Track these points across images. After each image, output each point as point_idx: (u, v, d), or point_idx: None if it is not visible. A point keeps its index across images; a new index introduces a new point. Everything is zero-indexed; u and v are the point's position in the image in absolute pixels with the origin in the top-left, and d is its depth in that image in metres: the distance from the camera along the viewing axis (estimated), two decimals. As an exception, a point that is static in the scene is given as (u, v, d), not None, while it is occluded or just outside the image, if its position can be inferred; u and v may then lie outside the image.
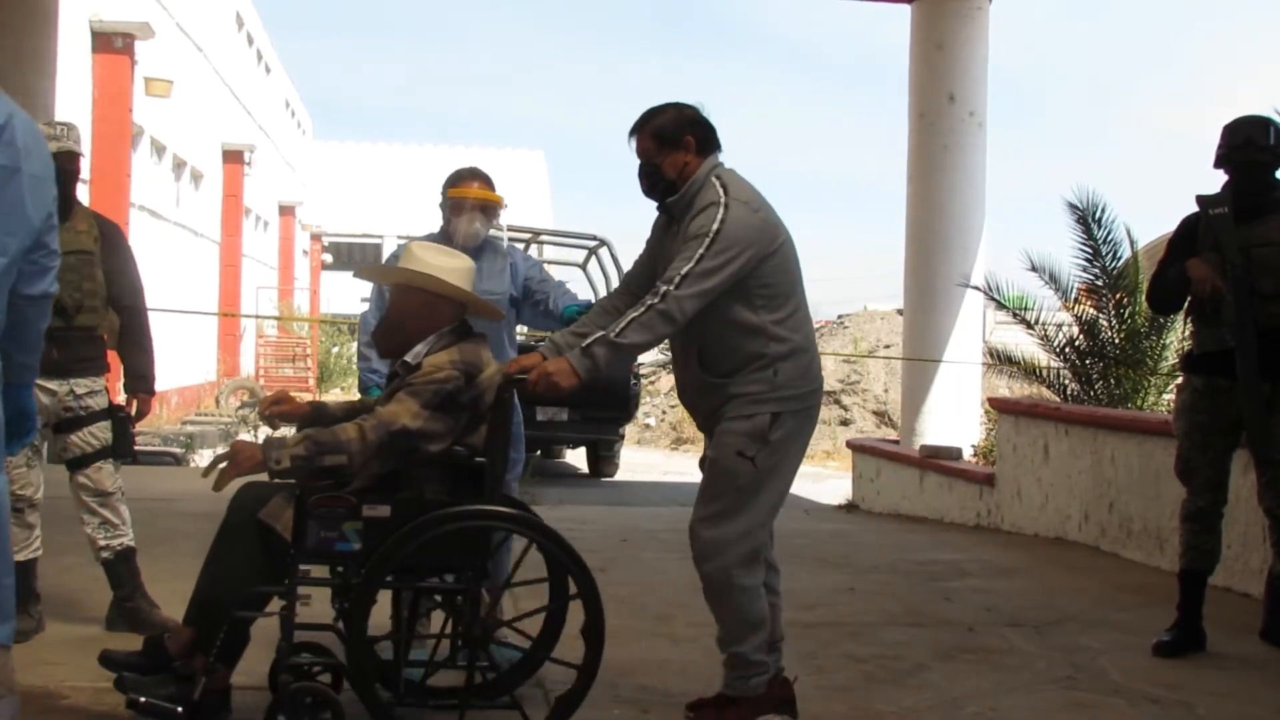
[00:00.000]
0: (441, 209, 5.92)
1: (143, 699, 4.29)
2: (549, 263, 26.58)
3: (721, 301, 4.52)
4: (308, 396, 25.88)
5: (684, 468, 20.49)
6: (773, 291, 4.59)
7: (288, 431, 5.16)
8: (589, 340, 4.44)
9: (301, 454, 4.21)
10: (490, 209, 5.84)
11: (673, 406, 26.95)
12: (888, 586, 7.72)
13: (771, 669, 4.81)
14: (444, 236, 5.82)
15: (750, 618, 4.69)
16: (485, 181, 5.89)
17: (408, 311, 4.66)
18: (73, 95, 16.98)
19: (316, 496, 4.29)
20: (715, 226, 4.45)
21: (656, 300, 4.41)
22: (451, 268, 4.64)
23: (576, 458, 19.34)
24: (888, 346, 27.54)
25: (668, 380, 29.60)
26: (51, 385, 5.68)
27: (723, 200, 4.52)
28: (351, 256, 48.09)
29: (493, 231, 5.93)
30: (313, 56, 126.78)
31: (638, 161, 4.77)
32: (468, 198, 5.78)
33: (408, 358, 4.61)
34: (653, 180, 4.74)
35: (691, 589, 7.52)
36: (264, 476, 4.29)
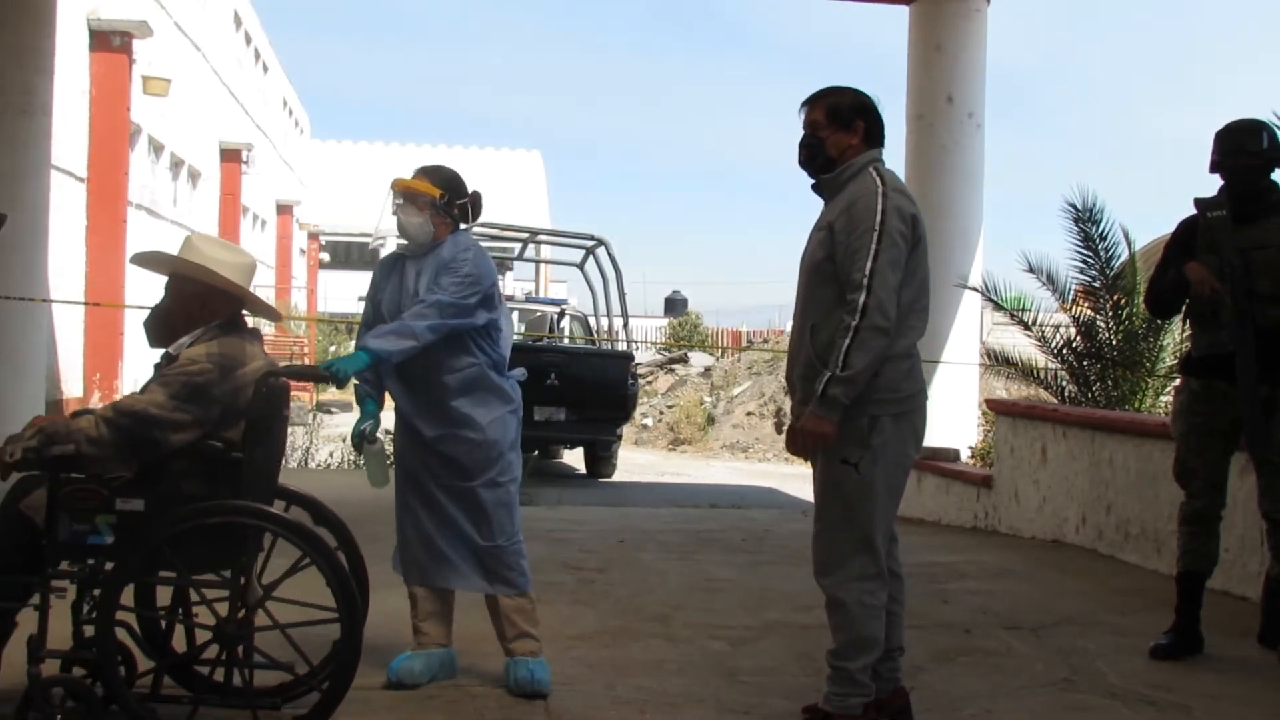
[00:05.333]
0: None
1: None
2: (546, 262, 26.66)
3: (834, 284, 4.53)
4: (305, 396, 25.84)
5: (681, 468, 20.48)
6: None
7: None
8: (821, 385, 4.43)
9: (32, 445, 4.25)
10: (415, 198, 5.30)
11: (670, 407, 26.93)
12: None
13: (888, 683, 4.76)
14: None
15: (861, 636, 4.59)
16: (423, 173, 5.40)
17: (179, 302, 4.67)
18: (70, 93, 16.95)
19: (68, 489, 4.29)
20: (879, 218, 4.47)
21: (858, 316, 4.40)
22: (228, 262, 4.65)
23: (574, 458, 19.31)
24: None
25: (665, 380, 29.61)
26: None
27: (880, 189, 4.54)
28: (349, 255, 48.07)
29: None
30: (310, 56, 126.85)
31: (801, 132, 4.76)
32: (392, 189, 5.38)
33: (170, 349, 4.62)
34: (813, 153, 4.74)
35: (689, 589, 7.58)
36: None
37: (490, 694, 5.21)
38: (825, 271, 4.60)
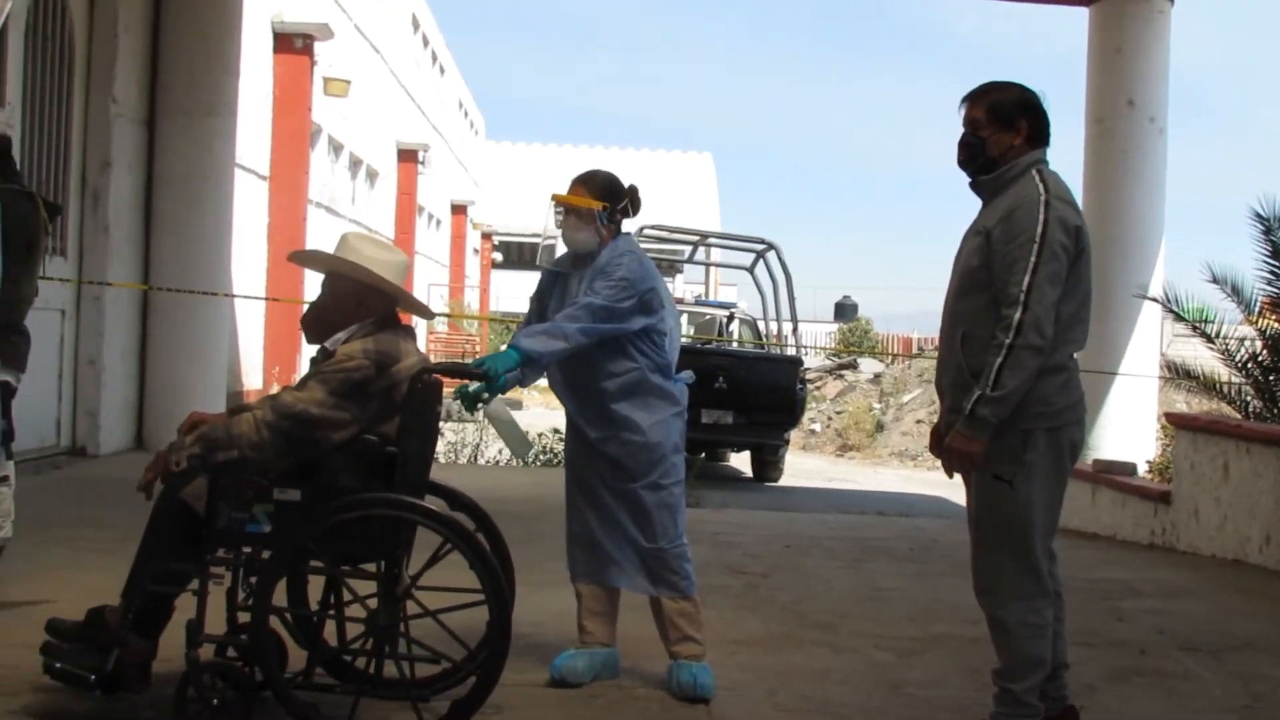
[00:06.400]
0: None
1: (58, 665, 4.42)
2: (717, 265, 26.62)
3: (988, 291, 4.42)
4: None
5: (849, 475, 20.32)
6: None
7: None
8: (970, 404, 4.34)
9: (196, 453, 4.36)
10: (577, 211, 5.31)
11: (839, 413, 26.76)
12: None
13: (1056, 702, 4.66)
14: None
15: (1026, 657, 4.48)
16: (580, 184, 5.40)
17: (335, 299, 4.73)
18: (255, 94, 17.39)
19: (228, 478, 4.38)
20: (1040, 229, 4.31)
21: (1012, 334, 4.28)
22: (383, 260, 4.69)
23: (741, 462, 19.27)
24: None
25: (834, 386, 29.41)
26: None
27: (1043, 197, 4.37)
28: (521, 255, 48.57)
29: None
30: (486, 58, 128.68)
31: (961, 130, 4.62)
32: (552, 202, 5.44)
33: (327, 344, 4.68)
34: (972, 153, 4.59)
35: (856, 598, 7.50)
36: None
37: (653, 696, 5.20)
38: (980, 279, 4.47)
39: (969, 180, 4.67)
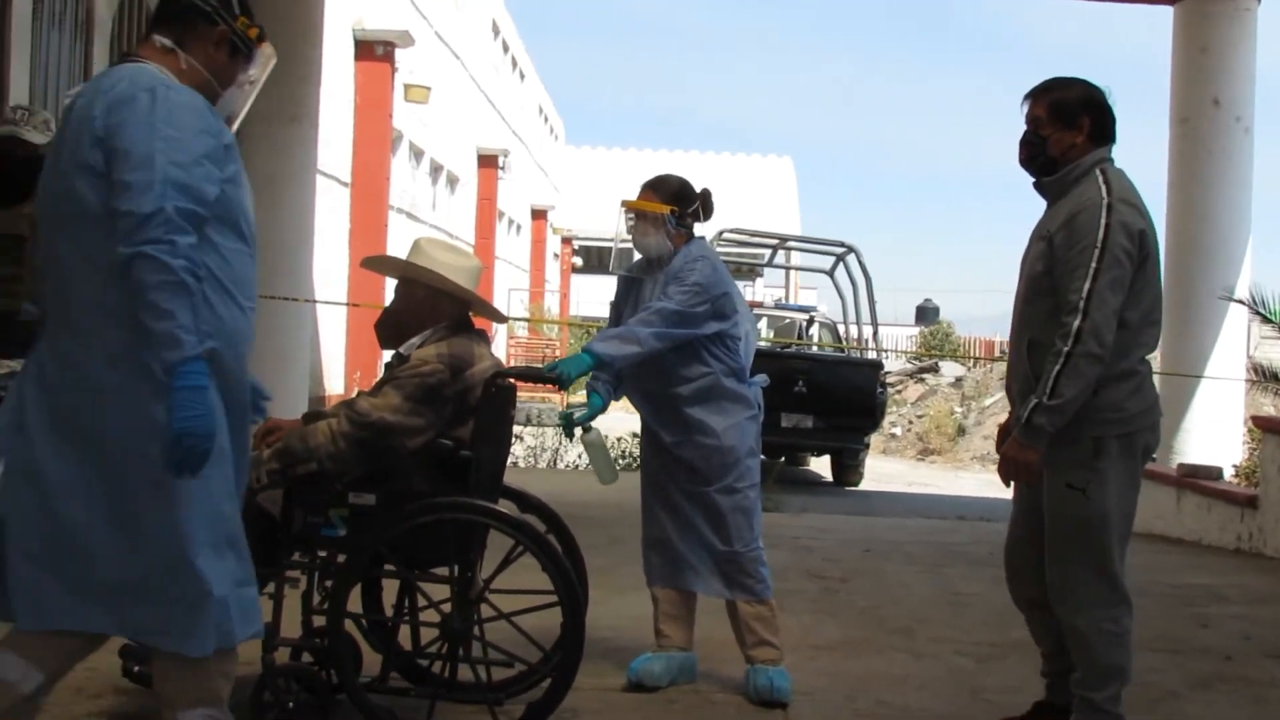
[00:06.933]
0: None
1: (137, 668, 4.47)
2: (796, 269, 26.51)
3: (1053, 297, 4.36)
4: (556, 398, 26.27)
5: (930, 479, 20.20)
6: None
7: None
8: (1026, 413, 4.29)
9: (276, 468, 4.40)
10: (647, 216, 5.34)
11: (919, 416, 26.58)
12: (1140, 610, 7.39)
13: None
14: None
15: (1104, 665, 4.42)
16: (650, 189, 5.42)
17: (408, 304, 4.77)
18: (337, 101, 17.56)
19: (303, 483, 4.42)
20: (1102, 234, 4.23)
21: (1071, 342, 4.21)
22: (456, 265, 4.73)
23: (821, 465, 19.19)
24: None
25: (915, 389, 29.23)
26: None
27: (1105, 201, 4.29)
28: (601, 260, 48.68)
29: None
30: (565, 63, 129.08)
31: (1023, 128, 4.55)
32: (622, 208, 5.48)
33: (402, 349, 4.71)
34: (1033, 152, 4.52)
35: (935, 603, 7.45)
36: None
37: (730, 700, 5.20)
38: (1044, 284, 4.41)
39: (1033, 182, 4.60)
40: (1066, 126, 4.45)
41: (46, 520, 3.37)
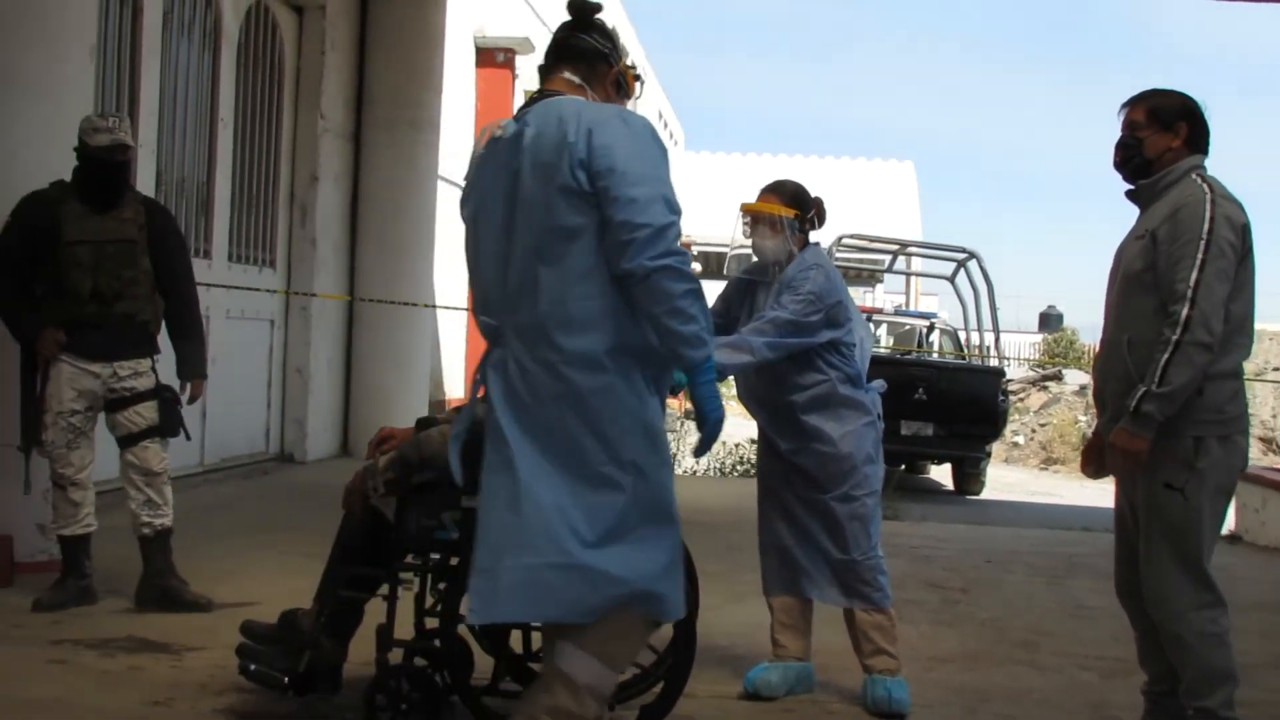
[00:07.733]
0: None
1: (253, 667, 4.53)
2: (917, 275, 26.29)
3: (1154, 294, 4.33)
4: (674, 403, 26.27)
5: (1053, 488, 19.88)
6: None
7: None
8: (1135, 401, 4.24)
9: (393, 478, 4.44)
10: (768, 219, 5.33)
11: (1043, 425, 26.20)
12: (1273, 626, 7.28)
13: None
14: None
15: (1212, 669, 4.36)
16: (770, 193, 5.43)
17: None
18: (457, 108, 17.72)
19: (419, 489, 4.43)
20: (1207, 225, 4.23)
21: (1180, 330, 4.19)
22: None
23: (942, 474, 18.99)
24: (1277, 369, 26.14)
25: (1038, 397, 28.82)
26: (94, 369, 6.02)
27: (1208, 195, 4.29)
28: (721, 264, 48.67)
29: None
30: (685, 69, 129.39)
31: (1119, 134, 4.55)
32: (741, 212, 5.46)
33: None
34: (1128, 154, 4.53)
35: (1059, 615, 7.31)
36: None
37: (847, 711, 5.15)
38: (1145, 281, 4.38)
39: (1126, 189, 4.59)
40: (1164, 130, 4.46)
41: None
